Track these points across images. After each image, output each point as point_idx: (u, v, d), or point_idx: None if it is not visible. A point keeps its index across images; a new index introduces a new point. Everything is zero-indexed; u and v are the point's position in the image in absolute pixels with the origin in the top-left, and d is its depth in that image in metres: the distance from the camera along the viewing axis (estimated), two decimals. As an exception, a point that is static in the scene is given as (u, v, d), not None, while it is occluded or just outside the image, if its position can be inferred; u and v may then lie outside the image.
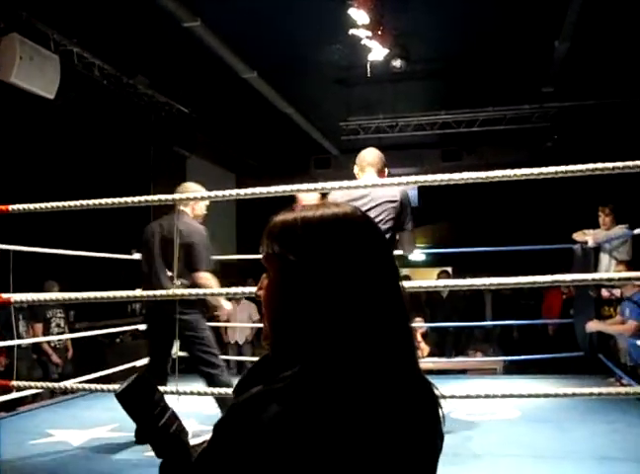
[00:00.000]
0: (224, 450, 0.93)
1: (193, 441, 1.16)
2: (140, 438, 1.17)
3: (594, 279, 4.96)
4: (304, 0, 6.44)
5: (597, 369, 6.66)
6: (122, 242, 6.83)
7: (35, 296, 4.98)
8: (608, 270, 6.40)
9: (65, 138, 8.11)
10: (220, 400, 4.41)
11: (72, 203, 3.93)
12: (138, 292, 4.39)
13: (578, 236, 6.90)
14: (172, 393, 4.09)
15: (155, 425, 1.14)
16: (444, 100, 9.92)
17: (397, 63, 7.57)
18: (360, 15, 6.29)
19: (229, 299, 9.38)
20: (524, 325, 9.69)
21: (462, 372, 8.41)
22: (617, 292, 6.48)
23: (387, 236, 3.72)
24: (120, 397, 1.14)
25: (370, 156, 4.13)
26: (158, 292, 4.40)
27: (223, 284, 4.90)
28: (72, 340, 7.81)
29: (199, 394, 4.10)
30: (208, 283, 4.55)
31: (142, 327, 6.35)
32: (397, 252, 4.00)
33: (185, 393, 4.08)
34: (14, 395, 5.27)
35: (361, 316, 0.97)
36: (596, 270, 6.57)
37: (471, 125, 10.28)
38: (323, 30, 6.94)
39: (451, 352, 9.45)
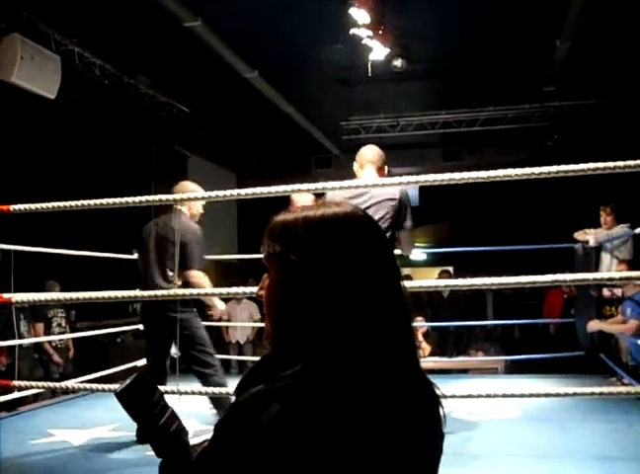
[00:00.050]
0: (225, 449, 0.93)
1: (193, 441, 1.16)
2: (141, 438, 1.18)
3: (595, 279, 4.95)
4: (305, 0, 6.44)
5: (598, 369, 6.65)
6: (123, 242, 6.82)
7: (36, 296, 4.99)
8: (610, 269, 6.39)
9: (66, 138, 8.11)
10: (215, 400, 4.41)
11: (73, 203, 3.94)
12: (139, 292, 4.39)
13: (579, 235, 6.90)
14: (173, 393, 4.10)
15: (155, 424, 1.14)
16: (445, 99, 9.92)
17: (398, 63, 7.57)
18: (360, 14, 6.28)
19: (230, 299, 9.49)
20: (526, 324, 9.69)
21: (463, 372, 8.41)
22: (619, 292, 6.48)
23: (387, 235, 3.72)
24: (120, 396, 1.15)
25: (370, 153, 4.12)
26: (159, 292, 4.40)
27: (224, 284, 4.92)
28: (73, 339, 7.82)
29: (199, 394, 4.10)
30: (200, 282, 4.54)
31: (143, 326, 6.35)
32: (396, 251, 3.99)
33: (186, 393, 4.09)
34: (15, 395, 5.28)
35: (363, 315, 0.97)
36: (597, 269, 6.56)
37: (472, 125, 10.27)
38: (324, 29, 6.94)
39: (453, 351, 9.44)
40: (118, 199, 3.90)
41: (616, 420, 4.90)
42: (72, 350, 7.89)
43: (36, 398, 6.42)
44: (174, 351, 5.21)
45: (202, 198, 4.67)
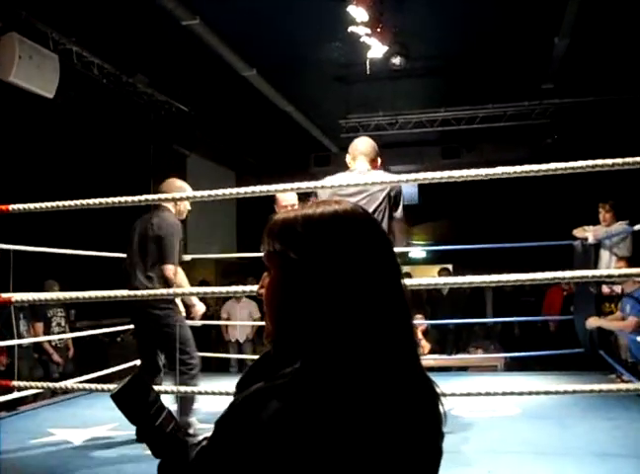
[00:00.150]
0: (225, 447, 0.94)
1: (194, 440, 1.16)
2: (139, 438, 1.18)
3: (594, 276, 4.95)
4: (303, -2, 6.44)
5: (597, 366, 6.66)
6: (122, 241, 6.82)
7: (35, 296, 4.98)
8: (609, 266, 6.39)
9: (65, 137, 8.11)
10: (182, 399, 4.38)
11: (72, 203, 3.93)
12: (139, 292, 4.39)
13: (578, 232, 6.90)
14: (172, 393, 4.10)
15: (151, 425, 1.14)
16: (444, 97, 9.92)
17: (396, 61, 7.56)
18: (359, 12, 6.28)
19: (229, 298, 9.49)
20: (525, 322, 9.69)
21: (463, 369, 8.42)
22: (618, 289, 6.48)
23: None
24: (116, 398, 1.15)
25: (363, 145, 4.09)
26: (159, 291, 4.40)
27: (224, 283, 4.90)
28: (73, 339, 7.82)
29: (199, 393, 4.10)
30: (173, 277, 4.50)
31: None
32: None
33: (185, 393, 4.09)
34: (15, 395, 5.28)
35: (363, 313, 0.96)
36: (596, 266, 6.56)
37: (471, 123, 10.27)
38: (322, 27, 6.93)
39: (452, 349, 9.45)
40: (116, 199, 3.90)
41: (616, 417, 4.90)
42: (72, 349, 7.89)
43: (35, 398, 6.42)
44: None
45: (202, 198, 4.66)
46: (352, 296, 0.96)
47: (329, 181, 3.84)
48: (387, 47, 7.08)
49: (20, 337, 6.50)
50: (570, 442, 4.32)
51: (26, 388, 5.08)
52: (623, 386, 4.54)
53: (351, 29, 6.51)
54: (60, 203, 3.95)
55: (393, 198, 3.86)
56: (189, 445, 1.14)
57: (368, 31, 6.59)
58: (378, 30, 6.65)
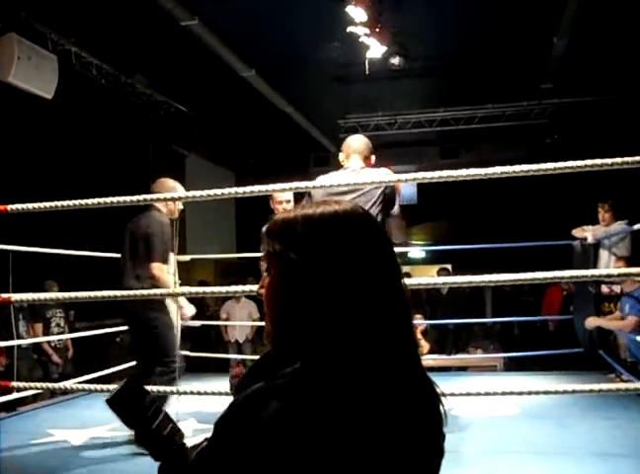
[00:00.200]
0: (225, 447, 0.93)
1: (193, 440, 1.16)
2: (138, 441, 1.17)
3: (593, 276, 4.96)
4: (302, -2, 6.45)
5: (597, 366, 6.66)
6: (121, 241, 6.82)
7: (34, 296, 4.98)
8: (608, 266, 6.40)
9: (64, 138, 8.10)
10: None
11: (71, 203, 3.93)
12: (138, 292, 4.39)
13: (577, 232, 6.90)
14: (171, 393, 4.10)
15: (148, 428, 1.14)
16: (443, 97, 9.92)
17: (395, 61, 7.56)
18: (357, 12, 6.28)
19: (229, 298, 9.48)
20: (525, 322, 9.69)
21: (463, 369, 8.42)
22: (617, 288, 6.48)
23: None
24: (111, 403, 1.14)
25: (356, 143, 4.06)
26: (159, 291, 4.40)
27: (223, 283, 4.89)
28: (72, 339, 7.81)
29: (198, 393, 4.10)
30: (159, 275, 4.48)
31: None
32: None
33: (185, 392, 4.09)
34: (14, 395, 5.27)
35: (363, 313, 0.96)
36: (595, 266, 6.57)
37: (470, 122, 10.28)
38: (321, 27, 6.93)
39: (451, 349, 9.44)
40: (115, 199, 3.90)
41: (616, 416, 4.90)
42: (71, 350, 7.89)
43: (35, 398, 6.42)
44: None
45: (200, 197, 4.66)
46: (352, 296, 0.96)
47: (323, 180, 3.83)
48: (386, 48, 7.08)
49: (19, 337, 6.49)
50: (569, 442, 4.32)
51: (25, 389, 5.07)
52: (623, 386, 4.54)
53: (350, 29, 6.52)
54: (59, 203, 3.95)
55: (388, 195, 3.83)
56: (188, 447, 1.14)
57: (367, 31, 6.59)
58: (377, 30, 6.65)
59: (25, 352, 6.84)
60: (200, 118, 10.11)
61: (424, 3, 6.80)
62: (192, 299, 5.05)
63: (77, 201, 3.92)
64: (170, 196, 4.50)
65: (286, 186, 3.85)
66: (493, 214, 11.93)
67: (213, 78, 8.42)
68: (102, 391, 4.18)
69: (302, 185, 3.80)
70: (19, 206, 3.93)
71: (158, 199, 4.56)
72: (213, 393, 4.01)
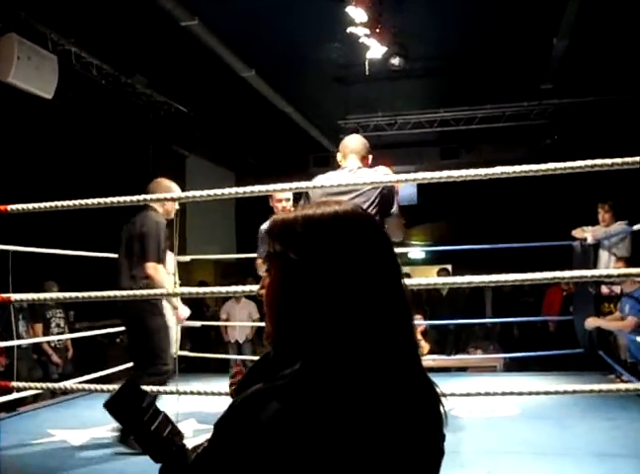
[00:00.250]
0: (224, 448, 0.93)
1: (194, 441, 1.16)
2: (138, 443, 1.17)
3: (593, 276, 4.96)
4: (302, -2, 6.44)
5: (597, 366, 6.66)
6: (119, 242, 6.82)
7: (34, 296, 4.98)
8: (608, 266, 6.39)
9: (64, 138, 8.10)
10: None
11: (71, 203, 3.93)
12: (138, 292, 4.39)
13: (577, 233, 6.90)
14: (172, 393, 4.10)
15: (146, 431, 1.13)
16: (443, 97, 9.92)
17: (395, 61, 7.56)
18: (358, 13, 6.28)
19: (229, 298, 9.49)
20: (525, 322, 9.69)
21: (462, 370, 8.42)
22: (617, 289, 6.48)
23: None
24: (109, 407, 1.14)
25: (353, 142, 4.05)
26: (159, 291, 4.40)
27: (223, 283, 4.89)
28: (72, 340, 7.81)
29: (198, 394, 4.10)
30: (155, 275, 4.48)
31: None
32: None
33: (185, 393, 4.09)
34: (14, 395, 5.27)
35: (363, 314, 0.96)
36: (595, 266, 6.57)
37: (470, 123, 10.27)
38: (321, 28, 6.93)
39: (451, 349, 9.44)
40: (115, 199, 3.90)
41: (616, 417, 4.90)
42: (71, 350, 7.89)
43: (35, 398, 6.42)
44: (173, 350, 5.18)
45: (201, 197, 4.66)
46: (352, 297, 0.96)
47: (321, 180, 3.83)
48: (386, 48, 7.08)
49: (19, 338, 6.49)
50: (569, 443, 4.32)
51: (25, 389, 5.08)
52: (622, 386, 4.54)
53: (350, 29, 6.52)
54: (59, 204, 3.95)
55: (386, 195, 3.81)
56: (188, 448, 1.14)
57: (367, 31, 6.59)
58: (377, 30, 6.66)
59: (25, 352, 6.84)
60: (201, 119, 10.11)
61: (424, 4, 6.79)
62: (192, 300, 5.05)
63: (77, 202, 3.92)
64: (170, 196, 4.51)
65: (285, 186, 3.85)
66: (493, 215, 11.92)
67: (213, 78, 8.42)
68: (102, 391, 4.19)
69: (303, 185, 3.80)
70: (19, 206, 3.93)
71: (157, 200, 4.56)
72: (213, 393, 4.02)
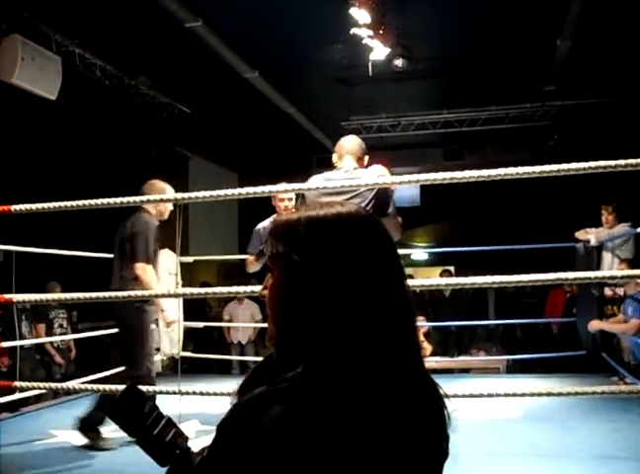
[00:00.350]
0: (227, 450, 0.93)
1: (196, 442, 1.16)
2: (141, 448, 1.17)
3: (596, 278, 4.96)
4: (305, 0, 6.44)
5: (600, 368, 6.65)
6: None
7: (37, 296, 4.99)
8: (611, 268, 6.38)
9: (67, 139, 8.11)
10: (103, 397, 4.38)
11: (74, 204, 3.94)
12: (139, 292, 4.39)
13: (580, 235, 6.89)
14: (174, 393, 4.10)
15: (149, 435, 1.13)
16: (447, 99, 9.91)
17: (399, 62, 7.57)
18: (361, 14, 6.28)
19: (232, 299, 9.49)
20: (528, 324, 9.67)
21: (465, 371, 8.41)
22: (620, 291, 6.47)
23: None
24: (111, 413, 1.14)
25: (349, 144, 4.01)
26: (160, 292, 4.41)
27: (226, 284, 4.89)
28: (75, 340, 7.82)
29: (200, 394, 4.10)
30: (143, 275, 4.49)
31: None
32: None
33: (187, 393, 4.09)
34: (17, 396, 5.28)
35: (366, 316, 0.96)
36: (598, 268, 6.55)
37: (473, 124, 10.26)
38: (324, 29, 6.93)
39: (454, 351, 9.44)
40: (118, 199, 3.91)
41: (618, 419, 4.89)
42: (74, 350, 7.90)
43: (38, 399, 6.43)
44: (175, 351, 5.20)
45: (204, 198, 4.67)
46: (355, 298, 0.96)
47: (317, 180, 3.82)
48: (389, 49, 7.08)
49: (22, 338, 6.50)
50: (571, 445, 4.32)
51: (28, 389, 5.08)
52: (625, 388, 4.54)
53: (353, 31, 6.52)
54: (63, 204, 3.95)
55: (381, 196, 3.79)
56: (193, 451, 1.13)
57: (371, 32, 6.60)
58: (381, 32, 6.66)
59: (27, 352, 6.85)
60: (204, 120, 10.12)
61: (427, 5, 6.79)
62: (194, 300, 5.05)
63: (81, 202, 3.93)
64: (173, 196, 4.51)
65: (283, 187, 3.86)
66: (496, 216, 11.91)
67: (217, 79, 8.42)
68: (104, 392, 4.19)
69: (304, 186, 3.80)
70: (23, 207, 3.93)
71: (162, 200, 4.57)
72: (216, 394, 4.02)
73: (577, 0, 6.20)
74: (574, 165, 3.35)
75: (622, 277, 4.56)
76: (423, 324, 7.98)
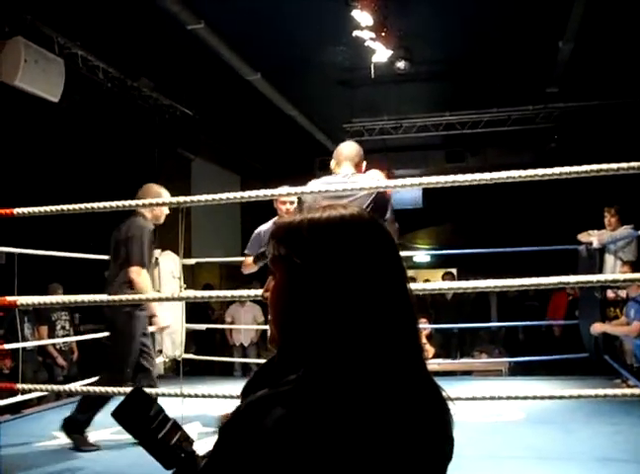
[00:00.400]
0: (229, 453, 0.93)
1: (204, 443, 1.16)
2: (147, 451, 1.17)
3: (599, 281, 4.94)
4: (308, 2, 6.44)
5: (602, 371, 6.64)
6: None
7: (40, 299, 4.99)
8: (614, 271, 6.38)
9: (70, 141, 8.13)
10: (85, 399, 4.38)
11: (77, 207, 3.94)
12: (142, 296, 4.39)
13: (583, 237, 6.89)
14: (176, 395, 4.10)
15: (154, 439, 1.13)
16: (449, 101, 9.91)
17: (401, 65, 7.57)
18: (363, 17, 6.29)
19: (234, 301, 9.50)
20: (530, 326, 9.67)
21: (467, 374, 8.40)
22: (623, 293, 6.47)
23: None
24: (116, 416, 1.14)
25: (347, 150, 4.02)
26: (163, 295, 4.41)
27: (228, 287, 4.90)
28: (77, 342, 7.83)
29: (203, 396, 4.10)
30: (136, 279, 4.49)
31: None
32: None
33: (189, 395, 4.09)
34: (19, 398, 5.28)
35: (368, 318, 0.96)
36: (601, 271, 6.55)
37: (475, 127, 10.26)
38: (327, 31, 6.94)
39: (456, 353, 9.44)
40: (121, 202, 3.91)
41: (621, 422, 4.89)
42: (76, 352, 7.91)
43: (40, 401, 6.43)
44: (177, 353, 5.20)
45: (213, 201, 4.67)
46: (357, 301, 0.96)
47: (315, 185, 3.83)
48: (392, 51, 7.09)
49: (24, 340, 6.50)
50: (573, 447, 4.31)
51: (30, 391, 5.09)
52: (628, 391, 4.53)
53: (355, 33, 6.53)
54: (65, 207, 3.96)
55: (379, 200, 3.78)
56: (199, 454, 1.13)
57: (373, 35, 6.61)
58: (383, 34, 6.67)
59: (30, 354, 6.86)
60: (206, 122, 10.12)
61: (429, 7, 6.79)
62: (197, 303, 5.05)
63: (83, 205, 3.93)
64: (175, 200, 4.51)
65: (290, 190, 3.86)
66: (498, 219, 11.91)
67: (219, 82, 8.43)
68: (107, 394, 4.19)
69: (306, 190, 3.81)
70: (25, 210, 3.94)
71: (165, 204, 4.57)
72: (218, 396, 4.02)
73: (579, 2, 6.20)
74: (576, 168, 3.35)
75: (625, 280, 4.55)
76: (425, 326, 7.98)
